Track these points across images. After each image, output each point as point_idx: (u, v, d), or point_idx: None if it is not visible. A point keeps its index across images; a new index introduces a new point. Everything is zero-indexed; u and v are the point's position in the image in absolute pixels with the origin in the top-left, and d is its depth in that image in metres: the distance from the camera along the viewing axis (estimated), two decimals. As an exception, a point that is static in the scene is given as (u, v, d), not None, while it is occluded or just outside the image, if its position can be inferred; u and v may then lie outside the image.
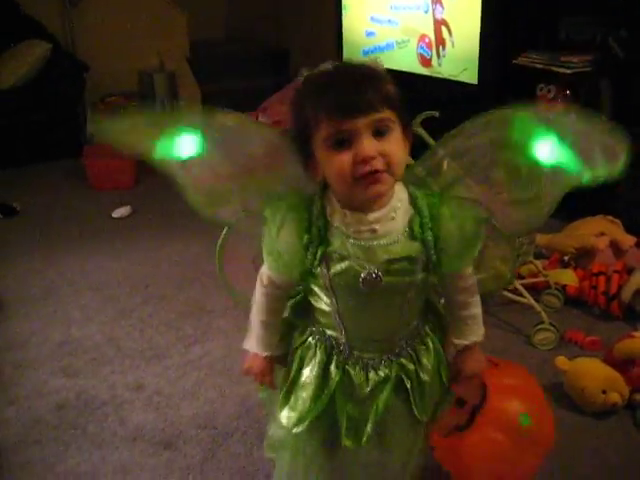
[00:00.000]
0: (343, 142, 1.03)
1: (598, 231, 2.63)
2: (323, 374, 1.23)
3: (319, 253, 1.12)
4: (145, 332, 2.45)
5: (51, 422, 1.99)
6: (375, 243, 1.11)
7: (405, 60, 3.66)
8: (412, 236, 1.12)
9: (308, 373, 1.25)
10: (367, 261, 1.11)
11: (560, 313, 2.44)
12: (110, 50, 4.76)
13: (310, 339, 1.26)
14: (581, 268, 2.57)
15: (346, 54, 4.05)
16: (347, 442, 1.24)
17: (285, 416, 1.27)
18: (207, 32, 5.50)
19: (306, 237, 1.12)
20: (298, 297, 1.29)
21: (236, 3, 5.50)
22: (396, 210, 1.11)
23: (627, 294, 2.39)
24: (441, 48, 3.46)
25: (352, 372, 1.23)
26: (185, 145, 1.19)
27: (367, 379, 1.23)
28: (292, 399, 1.26)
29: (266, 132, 1.26)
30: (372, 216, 1.10)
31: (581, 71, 3.05)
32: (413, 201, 1.13)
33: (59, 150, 4.25)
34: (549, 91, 3.10)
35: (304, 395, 1.25)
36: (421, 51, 3.60)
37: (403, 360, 1.24)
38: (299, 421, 1.25)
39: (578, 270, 2.56)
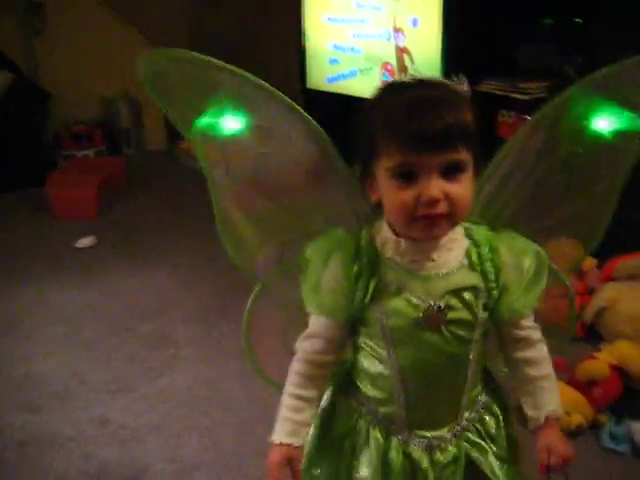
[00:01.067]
0: (409, 175, 0.93)
1: (559, 254, 2.66)
2: (383, 463, 1.07)
3: (371, 286, 1.00)
4: (110, 365, 2.42)
5: (13, 459, 1.95)
6: (433, 273, 1.00)
7: (369, 87, 3.67)
8: (471, 267, 1.02)
9: (364, 466, 1.08)
10: (426, 294, 0.99)
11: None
12: (74, 78, 4.72)
13: (360, 423, 1.09)
14: (544, 291, 2.60)
15: (310, 82, 4.09)
16: None
17: None
18: (171, 60, 5.50)
19: (356, 268, 1.00)
20: (341, 378, 1.13)
21: (200, 33, 5.52)
22: (452, 241, 1.01)
23: (589, 315, 2.43)
24: (403, 75, 3.50)
25: (415, 455, 1.06)
26: (229, 119, 1.07)
27: (432, 462, 1.07)
28: None
29: (318, 136, 1.10)
30: (429, 245, 1.00)
31: (539, 97, 3.12)
32: (468, 233, 1.04)
33: (22, 179, 4.20)
34: (509, 117, 3.17)
35: None
36: (384, 78, 3.65)
37: (470, 435, 1.09)
38: None
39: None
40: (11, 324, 2.72)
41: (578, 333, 2.45)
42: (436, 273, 1.00)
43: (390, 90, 1.00)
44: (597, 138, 1.12)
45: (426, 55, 3.31)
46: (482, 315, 1.03)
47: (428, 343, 1.01)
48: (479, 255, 1.02)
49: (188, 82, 1.08)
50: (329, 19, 3.89)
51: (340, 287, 1.01)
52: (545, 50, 3.27)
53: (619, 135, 1.12)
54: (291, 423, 1.06)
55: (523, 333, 1.08)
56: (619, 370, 2.05)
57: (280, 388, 1.13)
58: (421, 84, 0.98)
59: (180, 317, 2.71)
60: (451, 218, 0.96)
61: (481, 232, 1.05)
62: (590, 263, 2.64)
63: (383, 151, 0.95)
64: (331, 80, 3.96)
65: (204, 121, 1.06)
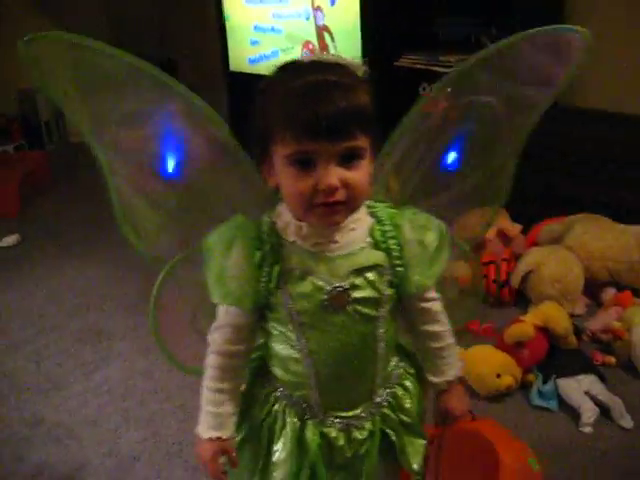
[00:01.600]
0: (306, 163, 0.92)
1: (486, 221, 2.72)
2: (299, 444, 1.08)
3: (275, 272, 0.99)
4: (41, 364, 2.36)
5: (-58, 468, 1.88)
6: (337, 254, 1.00)
7: (291, 67, 3.68)
8: (375, 245, 1.02)
9: (281, 448, 1.08)
10: (330, 275, 0.99)
11: (455, 304, 2.53)
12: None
13: (276, 407, 1.09)
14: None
15: (233, 64, 4.04)
16: None
17: None
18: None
19: (258, 254, 0.99)
20: (255, 363, 1.13)
21: (118, 17, 5.37)
22: (355, 221, 1.02)
23: (516, 280, 2.50)
24: (325, 54, 3.50)
25: (331, 435, 1.08)
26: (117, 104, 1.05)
27: (349, 440, 1.09)
28: None
29: (217, 125, 1.09)
30: (331, 228, 1.00)
31: (459, 69, 3.18)
32: (372, 212, 1.05)
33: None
34: (430, 90, 3.21)
35: (281, 475, 1.09)
36: (306, 57, 3.64)
37: (385, 410, 1.11)
38: None
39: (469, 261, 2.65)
40: None
41: (506, 298, 2.52)
42: (339, 254, 1.00)
43: (284, 72, 0.98)
44: (489, 111, 1.15)
45: (346, 32, 3.32)
46: (387, 292, 1.04)
47: (335, 324, 1.01)
48: (382, 233, 1.03)
49: (71, 66, 1.05)
50: (248, 0, 3.85)
51: (244, 275, 1.00)
52: (464, 22, 3.31)
53: (510, 108, 1.15)
54: (215, 416, 1.07)
55: (427, 305, 1.10)
56: (544, 331, 2.13)
57: (193, 374, 1.16)
58: (316, 66, 0.95)
59: (112, 310, 2.66)
60: (349, 205, 0.96)
61: (384, 210, 1.06)
62: (515, 229, 2.72)
63: (279, 138, 0.93)
64: (253, 61, 3.93)
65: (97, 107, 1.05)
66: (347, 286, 1.00)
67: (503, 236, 2.71)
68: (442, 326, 1.13)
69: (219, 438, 1.07)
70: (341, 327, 1.02)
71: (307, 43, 3.61)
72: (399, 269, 1.03)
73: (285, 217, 1.02)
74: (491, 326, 2.33)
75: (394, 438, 1.12)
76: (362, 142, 0.94)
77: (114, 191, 1.07)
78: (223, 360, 1.07)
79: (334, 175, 0.92)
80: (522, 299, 2.51)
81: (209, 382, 1.07)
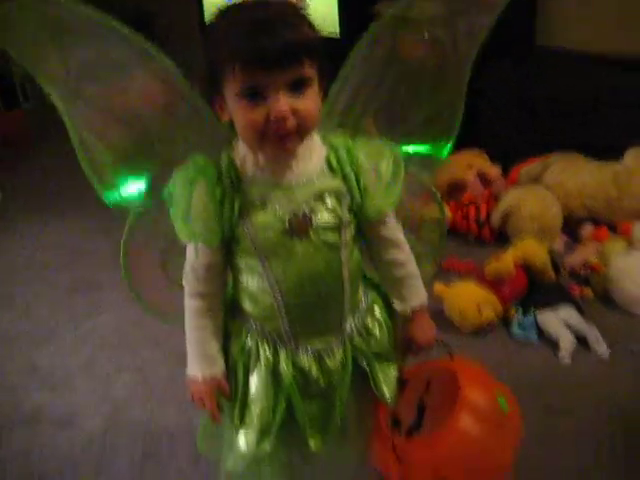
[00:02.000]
0: (256, 95, 0.94)
1: (466, 164, 2.77)
2: (273, 377, 1.12)
3: (236, 204, 1.02)
4: (32, 314, 2.39)
5: (-61, 416, 1.93)
6: (294, 182, 1.03)
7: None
8: (332, 172, 1.05)
9: (256, 381, 1.12)
10: (290, 203, 1.02)
11: (437, 245, 2.58)
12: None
13: (249, 340, 1.13)
14: (453, 201, 2.71)
15: (207, 17, 3.99)
16: (314, 444, 1.14)
17: (243, 441, 1.13)
18: None
19: (218, 191, 1.02)
20: (227, 301, 1.16)
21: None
22: (311, 150, 1.05)
23: (496, 220, 2.55)
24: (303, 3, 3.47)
25: (304, 365, 1.12)
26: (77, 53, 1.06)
27: (322, 370, 1.12)
28: (246, 419, 1.13)
29: (165, 65, 1.09)
30: (287, 157, 1.02)
31: (437, 13, 3.16)
32: (326, 141, 1.07)
33: None
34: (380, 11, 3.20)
35: (258, 409, 1.12)
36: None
37: (356, 339, 1.15)
38: (261, 440, 1.12)
39: (450, 203, 2.69)
40: None
41: (486, 238, 2.58)
42: (297, 182, 1.03)
43: (228, 12, 0.99)
44: (434, 42, 1.18)
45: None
46: (347, 218, 1.06)
47: (299, 252, 1.04)
48: (338, 159, 1.05)
49: (37, 23, 1.04)
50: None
51: (207, 212, 1.02)
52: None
53: (454, 37, 1.18)
54: (204, 356, 1.12)
55: (388, 232, 1.14)
56: (524, 267, 2.18)
57: (168, 321, 1.22)
58: (259, 4, 0.97)
59: (99, 262, 2.68)
60: (300, 132, 0.98)
61: (339, 138, 1.08)
62: (495, 171, 2.76)
63: (228, 73, 0.94)
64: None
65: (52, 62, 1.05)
66: (307, 212, 1.03)
67: (483, 178, 2.75)
68: (404, 254, 1.16)
69: (212, 376, 1.12)
70: (305, 254, 1.04)
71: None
72: (357, 195, 1.06)
73: (241, 151, 1.05)
74: (472, 264, 2.38)
75: (366, 366, 1.16)
76: (308, 70, 0.96)
77: (75, 135, 1.08)
78: (199, 301, 1.11)
79: (285, 104, 0.94)
80: (502, 239, 2.56)
81: (191, 324, 1.12)
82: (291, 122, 0.96)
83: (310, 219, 1.03)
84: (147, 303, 1.27)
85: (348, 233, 1.08)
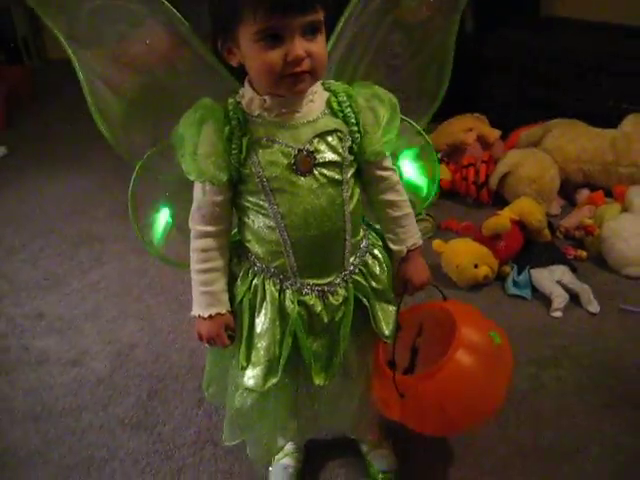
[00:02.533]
0: (274, 37, 1.00)
1: (466, 127, 2.80)
2: (279, 313, 1.16)
3: (244, 143, 1.07)
4: (38, 264, 2.45)
5: (-53, 358, 1.99)
6: (299, 122, 1.09)
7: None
8: (333, 114, 1.11)
9: (263, 319, 1.17)
10: (295, 141, 1.08)
11: (436, 205, 2.61)
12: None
13: (255, 281, 1.17)
14: (453, 162, 2.75)
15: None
16: (319, 380, 1.21)
17: (250, 376, 1.18)
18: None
19: (227, 129, 1.07)
20: (232, 244, 1.20)
21: None
22: (313, 94, 1.10)
23: (494, 181, 2.60)
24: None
25: (309, 302, 1.17)
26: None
27: (325, 307, 1.18)
28: (253, 355, 1.18)
29: (170, 14, 1.14)
30: (293, 98, 1.08)
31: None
32: (327, 87, 1.13)
33: None
34: None
35: (265, 344, 1.17)
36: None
37: (357, 277, 1.20)
38: (268, 375, 1.17)
39: (450, 165, 2.74)
40: None
41: (485, 199, 2.62)
42: (301, 122, 1.09)
43: None
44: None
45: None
46: (348, 156, 1.12)
47: (303, 187, 1.10)
48: (339, 103, 1.11)
49: None
50: None
51: (216, 150, 1.07)
52: None
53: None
54: (210, 295, 1.16)
55: (385, 174, 1.20)
56: (520, 224, 2.23)
57: (177, 266, 1.26)
58: None
59: (103, 216, 2.74)
60: (313, 74, 1.05)
61: (338, 85, 1.15)
62: (495, 134, 2.80)
63: (247, 16, 0.99)
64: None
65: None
66: (311, 149, 1.09)
67: (483, 141, 2.79)
68: (400, 195, 1.22)
69: (219, 314, 1.17)
70: (309, 189, 1.10)
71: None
72: (356, 135, 1.12)
73: (248, 94, 1.09)
74: (470, 224, 2.43)
75: (366, 303, 1.21)
76: (321, 15, 1.03)
77: (86, 86, 1.12)
78: (206, 241, 1.15)
79: (300, 47, 1.00)
80: (500, 201, 2.60)
81: (197, 265, 1.16)
82: (306, 64, 1.02)
83: (314, 156, 1.09)
84: (157, 248, 1.29)
85: (349, 172, 1.14)
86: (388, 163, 1.20)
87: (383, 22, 1.24)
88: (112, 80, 1.15)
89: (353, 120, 1.12)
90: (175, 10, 1.14)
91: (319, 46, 1.03)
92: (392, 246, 1.25)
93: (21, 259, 2.49)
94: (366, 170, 1.19)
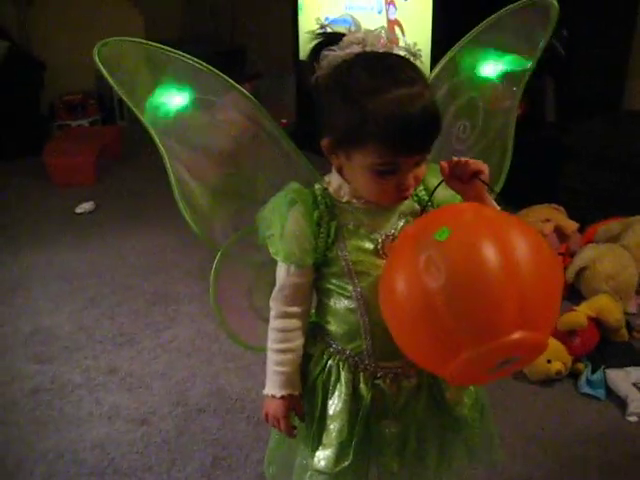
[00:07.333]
0: (391, 172, 1.02)
1: (544, 218, 2.79)
2: (353, 395, 1.16)
3: (332, 228, 1.09)
4: (115, 320, 2.53)
5: (27, 405, 2.05)
6: (384, 208, 1.11)
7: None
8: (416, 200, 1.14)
9: (336, 401, 1.17)
10: (381, 227, 1.10)
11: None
12: (67, 48, 4.73)
13: (330, 362, 1.18)
14: (528, 252, 2.72)
15: (302, 54, 4.16)
16: (391, 465, 1.19)
17: (321, 458, 1.17)
18: (163, 32, 5.52)
19: (316, 213, 1.09)
20: (309, 325, 1.21)
21: (193, 3, 5.55)
22: None
23: (570, 275, 2.56)
24: (395, 47, 3.59)
25: (383, 385, 1.16)
26: (174, 96, 1.15)
27: (399, 389, 1.17)
28: (324, 437, 1.18)
29: (262, 113, 1.19)
30: None
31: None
32: None
33: (20, 148, 4.27)
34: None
35: (337, 426, 1.16)
36: (375, 50, 3.74)
37: None
38: (340, 457, 1.16)
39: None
40: (18, 284, 2.83)
41: (560, 292, 2.58)
42: (386, 208, 1.11)
43: (364, 67, 1.02)
44: (487, 81, 1.30)
45: (417, 27, 3.41)
46: None
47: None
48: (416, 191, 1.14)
49: (139, 65, 1.15)
50: (323, -8, 3.97)
51: (304, 234, 1.09)
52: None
53: (505, 76, 1.31)
54: (283, 375, 1.17)
55: None
56: (596, 321, 2.19)
57: (254, 351, 1.28)
58: (392, 65, 1.03)
59: (180, 276, 2.82)
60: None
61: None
62: (572, 227, 2.78)
63: (371, 148, 1.00)
64: (324, 52, 4.04)
65: (154, 101, 1.14)
66: (396, 234, 1.11)
67: (560, 233, 2.77)
68: None
69: (290, 395, 1.17)
70: None
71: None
72: (429, 208, 1.13)
73: (336, 181, 1.12)
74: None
75: (440, 386, 1.18)
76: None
77: (173, 175, 1.17)
78: (286, 322, 1.16)
79: (412, 177, 1.04)
80: (575, 295, 2.55)
81: (275, 344, 1.17)
82: (412, 185, 1.06)
83: (395, 236, 1.11)
84: (231, 330, 1.31)
85: None
86: None
87: (450, 108, 1.30)
88: (197, 170, 1.20)
89: (425, 197, 1.14)
90: (251, 96, 1.19)
91: (423, 169, 1.07)
92: None
93: (100, 313, 2.58)
94: None
